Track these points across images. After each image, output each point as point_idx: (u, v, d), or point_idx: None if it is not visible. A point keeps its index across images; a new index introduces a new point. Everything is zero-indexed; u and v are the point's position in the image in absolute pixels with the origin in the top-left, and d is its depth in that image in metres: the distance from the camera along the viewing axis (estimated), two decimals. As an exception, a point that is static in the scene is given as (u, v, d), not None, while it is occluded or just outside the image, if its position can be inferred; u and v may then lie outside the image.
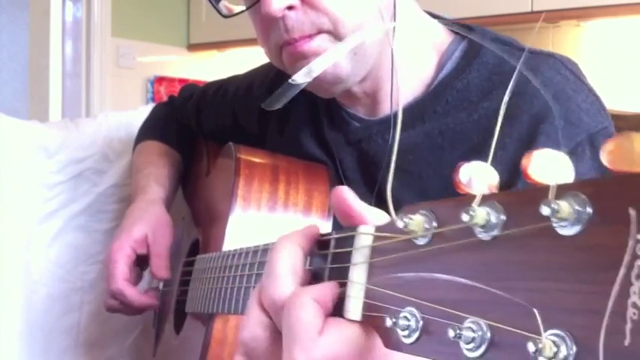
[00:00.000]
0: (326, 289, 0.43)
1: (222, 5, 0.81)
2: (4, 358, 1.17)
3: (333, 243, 0.46)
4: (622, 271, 0.26)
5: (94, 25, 2.98)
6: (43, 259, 1.24)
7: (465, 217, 0.33)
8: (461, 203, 0.34)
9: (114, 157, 1.31)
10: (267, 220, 0.82)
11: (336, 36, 0.74)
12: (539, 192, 0.30)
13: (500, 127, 0.74)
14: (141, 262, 1.02)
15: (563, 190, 0.29)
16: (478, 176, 0.35)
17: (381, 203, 0.81)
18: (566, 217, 0.28)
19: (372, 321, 0.41)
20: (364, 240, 0.42)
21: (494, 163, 0.72)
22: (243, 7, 0.79)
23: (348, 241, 0.44)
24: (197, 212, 1.12)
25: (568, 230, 0.29)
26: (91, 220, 1.30)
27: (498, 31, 0.84)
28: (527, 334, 0.30)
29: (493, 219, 0.32)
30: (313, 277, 0.47)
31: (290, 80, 0.65)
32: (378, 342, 0.41)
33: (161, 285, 1.14)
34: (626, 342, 0.26)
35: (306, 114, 0.91)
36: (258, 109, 1.02)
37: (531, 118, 0.72)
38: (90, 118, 1.41)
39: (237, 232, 0.81)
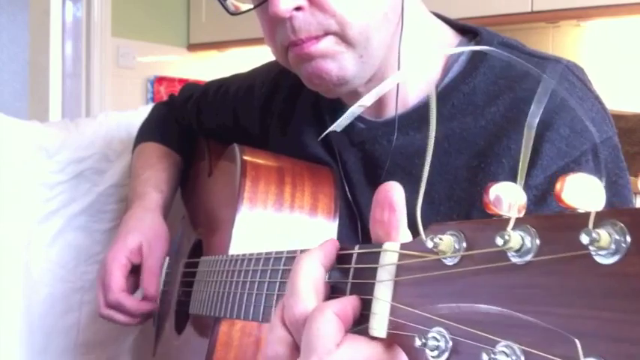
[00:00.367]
0: (346, 304, 0.43)
1: (229, 3, 0.81)
2: (4, 358, 1.17)
3: (355, 258, 0.46)
4: None
5: (94, 25, 2.98)
6: (43, 259, 1.24)
7: (499, 241, 0.33)
8: (491, 225, 0.34)
9: (114, 157, 1.31)
10: (273, 222, 0.82)
11: (343, 38, 0.74)
12: (576, 218, 0.30)
13: (505, 133, 0.74)
14: (136, 270, 1.03)
15: (600, 218, 0.29)
16: (507, 197, 0.35)
17: None
18: (605, 246, 0.28)
19: (398, 340, 0.40)
20: (390, 257, 0.42)
21: (499, 169, 0.72)
22: (250, 6, 0.79)
23: (373, 257, 0.43)
24: (198, 212, 1.11)
25: (606, 259, 0.29)
26: (91, 220, 1.30)
27: (498, 32, 0.84)
28: None
29: (527, 243, 0.32)
30: (333, 291, 0.47)
31: (356, 105, 0.64)
32: None
33: (162, 282, 1.14)
34: None
35: (310, 114, 0.91)
36: (259, 109, 1.02)
37: (537, 125, 0.71)
38: (90, 118, 1.41)
39: (244, 234, 0.80)
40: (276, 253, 0.61)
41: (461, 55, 0.80)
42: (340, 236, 0.82)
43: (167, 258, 1.07)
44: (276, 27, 0.76)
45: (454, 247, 0.36)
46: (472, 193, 0.75)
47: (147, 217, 1.04)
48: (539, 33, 2.52)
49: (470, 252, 0.36)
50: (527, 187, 0.70)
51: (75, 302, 1.27)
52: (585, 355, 0.29)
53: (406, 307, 0.39)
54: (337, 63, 0.75)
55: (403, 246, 0.42)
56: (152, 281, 1.01)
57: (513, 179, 0.35)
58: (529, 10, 2.30)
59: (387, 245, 0.43)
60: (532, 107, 0.40)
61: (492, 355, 0.32)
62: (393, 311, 0.41)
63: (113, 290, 0.98)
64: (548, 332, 0.31)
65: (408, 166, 0.80)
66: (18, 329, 1.19)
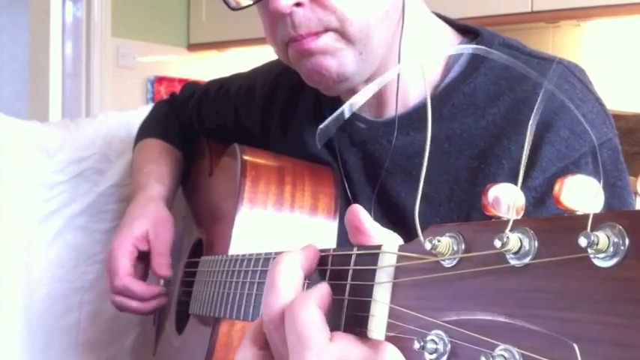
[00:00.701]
0: (324, 292, 0.43)
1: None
2: (4, 358, 1.17)
3: (353, 259, 0.46)
4: None
5: (94, 25, 2.98)
6: (43, 259, 1.24)
7: (497, 243, 0.32)
8: (490, 227, 0.34)
9: (114, 157, 1.31)
10: (273, 222, 0.82)
11: (343, 35, 0.74)
12: (575, 221, 0.30)
13: (506, 134, 0.74)
14: (144, 259, 1.02)
15: (599, 221, 0.29)
16: (506, 198, 0.35)
17: (383, 205, 0.82)
18: (603, 249, 0.28)
19: (397, 342, 0.40)
20: (388, 259, 0.42)
21: (499, 170, 0.72)
22: (251, 1, 0.79)
23: (371, 258, 0.43)
24: (199, 212, 1.11)
25: (605, 262, 0.29)
26: (91, 220, 1.29)
27: (498, 32, 0.84)
28: None
29: (526, 245, 0.32)
30: (333, 292, 0.46)
31: (338, 112, 0.64)
32: None
33: (162, 282, 1.14)
34: None
35: (311, 114, 0.91)
36: (260, 109, 1.02)
37: (537, 126, 0.71)
38: (90, 118, 1.41)
39: (244, 235, 0.80)
40: (276, 254, 0.61)
41: (461, 55, 0.80)
42: (341, 235, 0.82)
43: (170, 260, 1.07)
44: (276, 23, 0.76)
45: (452, 249, 0.36)
46: (472, 194, 0.75)
47: (151, 204, 1.04)
48: (539, 33, 2.52)
49: (468, 254, 0.35)
50: (526, 189, 0.70)
51: (75, 302, 1.27)
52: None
53: (405, 310, 0.39)
54: (337, 59, 0.75)
55: (402, 248, 0.42)
56: (162, 263, 0.99)
57: (513, 180, 0.35)
58: (529, 10, 2.30)
59: (385, 247, 0.43)
60: (534, 110, 0.40)
61: (491, 359, 0.32)
62: (392, 313, 0.41)
63: (120, 275, 0.97)
64: (547, 336, 0.30)
65: (408, 166, 0.80)
66: (18, 329, 1.19)
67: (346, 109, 0.55)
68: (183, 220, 1.19)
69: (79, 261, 1.28)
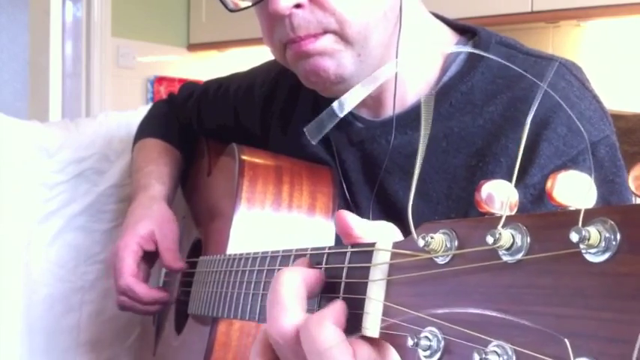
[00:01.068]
0: (339, 311, 0.42)
1: (229, 0, 0.81)
2: (4, 358, 1.17)
3: (348, 256, 0.46)
4: None
5: (94, 25, 2.98)
6: (43, 259, 1.24)
7: (489, 239, 0.32)
8: (483, 224, 0.34)
9: (114, 157, 1.31)
10: (271, 222, 0.82)
11: (342, 36, 0.74)
12: (567, 216, 0.30)
13: (503, 132, 0.74)
14: (148, 259, 1.02)
15: (590, 216, 0.29)
16: (499, 195, 0.35)
17: (382, 204, 0.82)
18: (595, 244, 0.28)
19: (391, 339, 0.40)
20: (382, 256, 0.42)
21: (497, 168, 0.72)
22: (249, 2, 0.79)
23: (365, 256, 0.43)
24: (198, 212, 1.11)
25: (597, 257, 0.29)
26: (90, 220, 1.29)
27: (498, 32, 0.84)
28: None
29: (518, 241, 0.32)
30: (327, 291, 0.47)
31: (328, 110, 0.64)
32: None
33: (162, 281, 1.15)
34: None
35: (310, 114, 0.91)
36: (260, 109, 1.02)
37: (535, 124, 0.72)
38: (90, 118, 1.41)
39: (242, 234, 0.80)
40: (272, 252, 0.61)
41: (459, 54, 0.81)
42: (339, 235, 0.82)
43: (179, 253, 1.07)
44: (274, 24, 0.76)
45: (445, 246, 0.36)
46: (470, 192, 0.75)
47: (154, 205, 1.04)
48: (539, 33, 2.52)
49: (460, 250, 0.36)
50: (524, 186, 0.70)
51: (75, 302, 1.27)
52: (576, 356, 0.29)
53: (399, 307, 0.39)
54: (335, 61, 0.76)
55: (395, 245, 0.42)
56: (174, 257, 0.99)
57: (511, 178, 0.35)
58: (529, 10, 2.30)
59: (379, 244, 0.43)
60: (531, 107, 0.40)
61: (484, 355, 0.32)
62: (386, 311, 0.41)
63: (124, 275, 0.97)
64: (540, 332, 0.30)
65: (407, 165, 0.80)
66: (18, 329, 1.19)
67: (336, 106, 0.55)
68: (182, 220, 1.20)
69: (79, 261, 1.28)
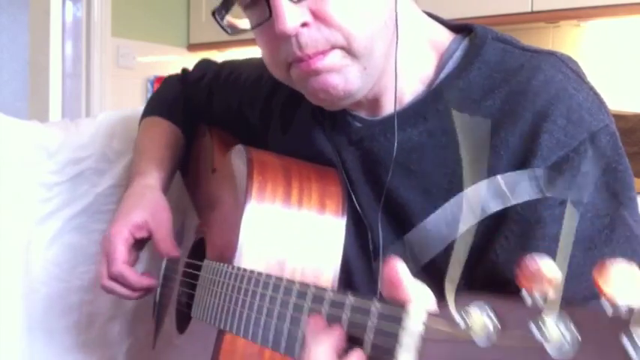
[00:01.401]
0: None
1: (226, 21, 0.81)
2: (5, 358, 1.17)
3: (374, 312, 0.44)
4: None
5: (94, 25, 2.98)
6: (42, 259, 1.24)
7: (536, 334, 0.31)
8: (528, 311, 0.32)
9: (113, 157, 1.31)
10: (280, 228, 0.81)
11: (349, 51, 0.74)
12: (618, 319, 0.28)
13: (503, 126, 0.74)
14: (137, 245, 1.03)
15: None
16: (542, 274, 0.33)
17: (386, 202, 0.82)
18: None
19: None
20: (415, 323, 0.40)
21: (497, 162, 0.72)
22: (247, 20, 0.79)
23: (396, 318, 0.42)
24: (200, 209, 1.11)
25: None
26: (90, 220, 1.29)
27: (498, 31, 0.84)
28: None
29: (567, 338, 0.30)
30: (353, 346, 0.46)
31: None
32: None
33: (162, 274, 1.15)
34: None
35: (310, 116, 0.91)
36: (263, 103, 1.02)
37: (534, 116, 0.72)
38: (90, 118, 1.41)
39: (250, 241, 0.80)
40: (287, 281, 0.61)
41: (455, 51, 0.81)
42: (345, 234, 0.83)
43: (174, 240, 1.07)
44: (279, 44, 0.76)
45: (486, 326, 0.34)
46: None
47: (148, 194, 1.05)
48: (539, 33, 2.52)
49: (503, 337, 0.33)
50: (528, 178, 0.70)
51: (75, 302, 1.27)
52: None
53: None
54: (343, 76, 0.76)
55: (430, 315, 0.40)
56: (169, 245, 1.01)
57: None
58: (529, 10, 2.30)
59: (412, 310, 0.41)
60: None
61: None
62: None
63: (117, 262, 0.98)
64: None
65: (406, 162, 0.80)
66: (18, 329, 1.19)
67: None
68: (183, 214, 1.20)
69: (79, 261, 1.28)
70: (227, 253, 0.82)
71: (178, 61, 3.35)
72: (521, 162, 0.71)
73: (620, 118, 1.94)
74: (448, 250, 0.75)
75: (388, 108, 0.83)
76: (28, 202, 1.24)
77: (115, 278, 1.00)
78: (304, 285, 0.57)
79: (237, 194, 0.86)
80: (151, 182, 1.08)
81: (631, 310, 0.28)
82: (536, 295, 0.32)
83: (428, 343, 0.39)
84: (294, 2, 0.72)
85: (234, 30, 0.81)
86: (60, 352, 1.25)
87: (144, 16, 3.21)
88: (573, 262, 0.37)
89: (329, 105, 0.82)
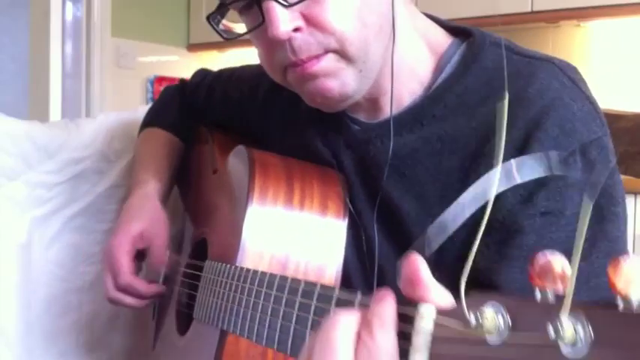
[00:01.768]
0: None
1: (222, 25, 0.81)
2: (4, 358, 1.17)
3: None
4: None
5: (94, 25, 2.98)
6: (42, 259, 1.24)
7: (551, 333, 0.31)
8: (541, 309, 0.32)
9: (114, 158, 1.31)
10: (282, 228, 0.81)
11: (343, 55, 0.74)
12: (633, 318, 0.28)
13: (497, 132, 0.74)
14: (139, 255, 1.04)
15: None
16: (554, 268, 0.33)
17: (380, 206, 0.82)
18: None
19: None
20: (427, 322, 0.40)
21: (489, 170, 0.72)
22: (243, 25, 0.79)
23: (407, 317, 0.42)
24: (201, 210, 1.11)
25: None
26: (90, 220, 1.29)
27: (498, 32, 0.83)
28: None
29: (581, 336, 0.30)
30: None
31: None
32: None
33: (162, 277, 1.15)
34: None
35: (309, 118, 0.92)
36: (261, 107, 1.03)
37: (527, 124, 0.71)
38: (90, 118, 1.41)
39: (252, 241, 0.80)
40: (292, 280, 0.61)
41: (453, 55, 0.81)
42: (348, 236, 0.83)
43: (167, 251, 1.08)
44: (274, 48, 0.76)
45: (498, 326, 0.34)
46: None
47: (146, 205, 1.06)
48: (539, 33, 2.52)
49: (515, 336, 0.33)
50: (514, 188, 0.70)
51: (74, 302, 1.27)
52: None
53: None
54: (339, 80, 0.76)
55: (441, 314, 0.40)
56: (161, 257, 1.04)
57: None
58: (529, 10, 2.30)
59: (423, 311, 0.41)
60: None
61: None
62: None
63: (124, 273, 0.99)
64: None
65: (402, 167, 0.80)
66: (18, 330, 1.19)
67: None
68: (183, 214, 1.20)
69: (79, 261, 1.28)
70: (229, 254, 0.82)
71: (178, 61, 3.35)
72: (510, 170, 0.71)
73: (620, 118, 1.94)
74: (439, 253, 0.75)
75: (387, 110, 0.82)
76: (29, 202, 1.24)
77: (124, 289, 1.00)
78: (310, 284, 0.57)
79: (239, 195, 0.86)
80: (149, 192, 1.09)
81: None
82: (549, 292, 0.32)
83: (439, 341, 0.39)
84: (286, 7, 0.72)
85: (230, 34, 0.81)
86: (59, 352, 1.25)
87: (144, 16, 3.21)
88: None
89: (327, 108, 0.82)
